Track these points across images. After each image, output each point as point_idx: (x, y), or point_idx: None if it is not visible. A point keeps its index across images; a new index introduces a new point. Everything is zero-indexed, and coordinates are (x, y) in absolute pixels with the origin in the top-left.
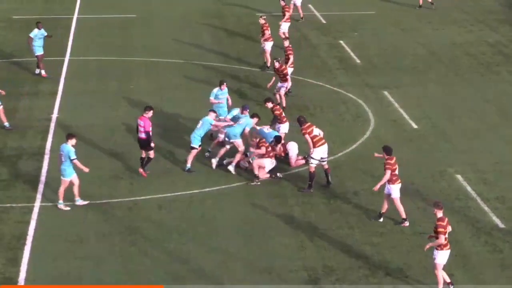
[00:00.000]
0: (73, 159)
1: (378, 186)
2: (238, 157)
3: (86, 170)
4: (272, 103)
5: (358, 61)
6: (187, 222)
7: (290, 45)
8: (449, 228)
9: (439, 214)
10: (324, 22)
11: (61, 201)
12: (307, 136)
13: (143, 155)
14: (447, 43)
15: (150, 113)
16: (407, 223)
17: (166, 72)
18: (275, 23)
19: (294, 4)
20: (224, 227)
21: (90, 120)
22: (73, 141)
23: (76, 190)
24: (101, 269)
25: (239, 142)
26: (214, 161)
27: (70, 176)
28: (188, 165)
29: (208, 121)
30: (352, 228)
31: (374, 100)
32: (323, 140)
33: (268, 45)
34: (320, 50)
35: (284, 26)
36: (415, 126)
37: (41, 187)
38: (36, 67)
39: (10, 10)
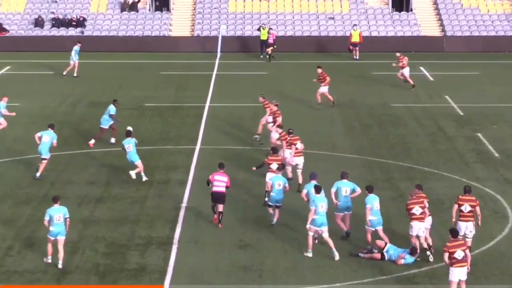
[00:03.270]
0: None
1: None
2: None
3: None
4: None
5: (496, 154)
6: None
7: None
8: (458, 252)
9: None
10: (461, 114)
11: None
12: None
13: (221, 209)
14: None
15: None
16: None
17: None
18: None
19: (403, 74)
20: None
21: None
22: None
23: None
24: None
25: None
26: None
27: None
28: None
29: None
30: None
31: None
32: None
33: None
34: (456, 142)
35: None
36: None
37: (168, 277)
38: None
39: (143, 97)
